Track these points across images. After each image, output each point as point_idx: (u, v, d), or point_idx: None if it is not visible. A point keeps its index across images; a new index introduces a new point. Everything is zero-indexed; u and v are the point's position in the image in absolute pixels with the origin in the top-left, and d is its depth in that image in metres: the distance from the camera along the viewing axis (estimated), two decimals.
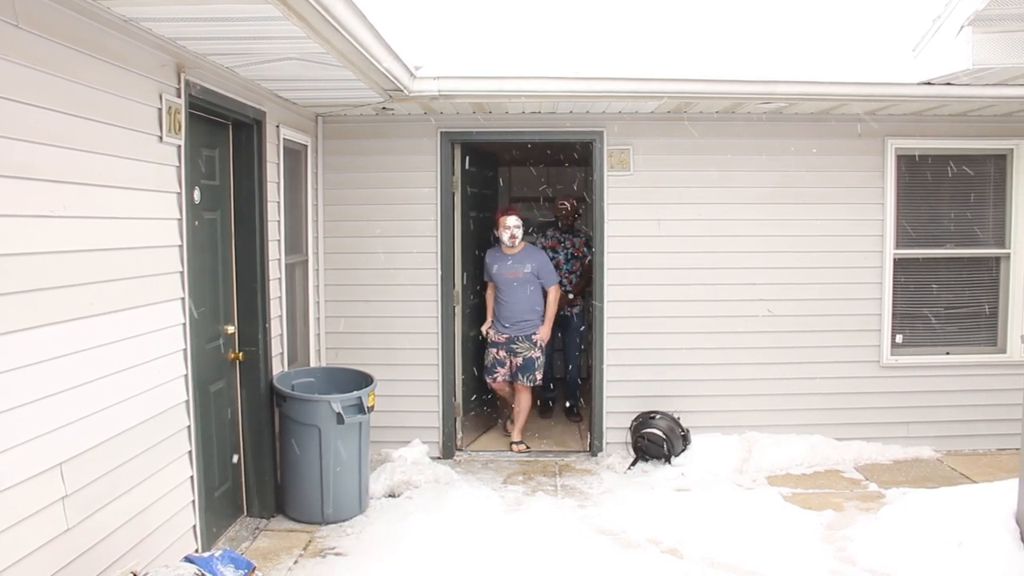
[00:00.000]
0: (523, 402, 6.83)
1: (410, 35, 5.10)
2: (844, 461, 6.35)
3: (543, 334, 6.78)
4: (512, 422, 6.98)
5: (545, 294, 6.82)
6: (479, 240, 7.25)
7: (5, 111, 2.72)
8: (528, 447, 6.80)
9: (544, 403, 7.88)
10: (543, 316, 6.80)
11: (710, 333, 6.53)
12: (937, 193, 6.62)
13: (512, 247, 6.69)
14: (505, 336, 6.75)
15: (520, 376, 6.74)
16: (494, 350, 6.80)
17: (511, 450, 6.76)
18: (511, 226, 6.64)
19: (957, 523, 4.46)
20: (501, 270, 6.72)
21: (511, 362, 6.76)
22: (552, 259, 7.17)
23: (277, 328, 5.46)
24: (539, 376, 6.81)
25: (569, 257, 7.62)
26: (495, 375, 6.81)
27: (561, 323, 7.49)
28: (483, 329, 6.96)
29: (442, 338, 6.54)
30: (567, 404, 7.87)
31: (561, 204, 7.68)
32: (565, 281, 7.43)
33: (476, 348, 7.11)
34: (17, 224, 2.80)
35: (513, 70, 5.54)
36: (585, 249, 7.51)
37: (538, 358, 6.74)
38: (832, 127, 6.42)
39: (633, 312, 6.50)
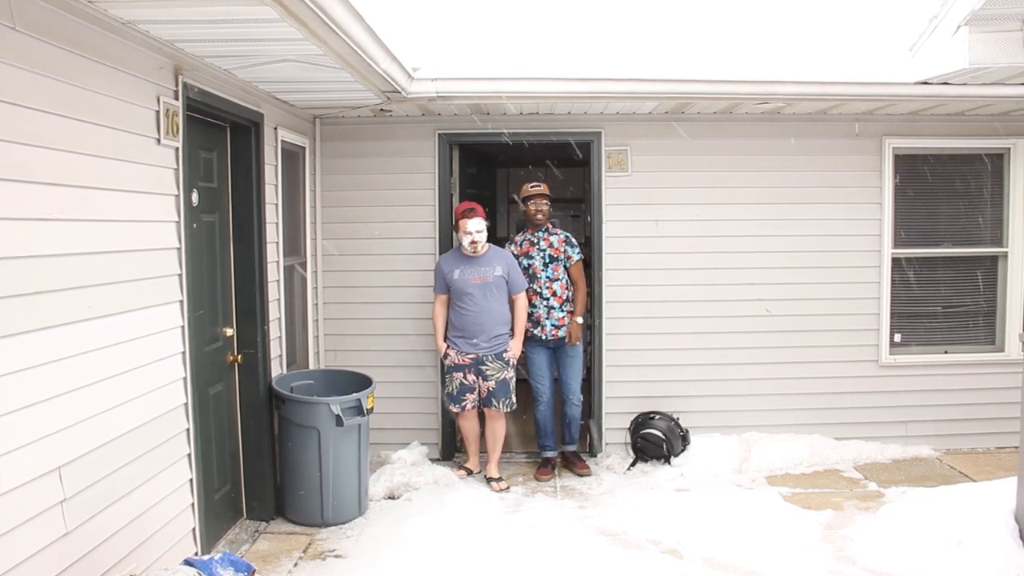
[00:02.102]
0: (498, 431, 6.03)
1: (408, 37, 5.10)
2: (843, 460, 6.35)
3: (516, 350, 5.96)
4: (468, 456, 6.27)
5: (511, 303, 5.99)
6: None
7: (1, 113, 2.72)
8: (508, 487, 5.94)
9: (545, 461, 6.34)
10: (513, 329, 6.01)
11: (709, 333, 6.53)
12: (935, 192, 6.63)
13: (474, 253, 5.82)
14: (471, 356, 5.85)
15: (494, 402, 5.89)
16: (459, 374, 5.88)
17: (489, 487, 5.90)
18: (472, 231, 5.74)
19: (956, 522, 4.47)
20: (465, 275, 5.81)
21: (481, 387, 5.90)
22: (528, 267, 6.17)
23: (276, 330, 5.46)
24: (514, 399, 5.96)
25: (548, 261, 6.19)
26: (463, 402, 5.92)
27: (548, 350, 6.29)
28: (440, 348, 6.03)
29: None
30: (570, 448, 6.40)
31: (541, 208, 6.22)
32: (547, 292, 6.14)
33: None
34: (14, 227, 2.80)
35: (511, 71, 5.55)
36: (567, 248, 6.22)
37: (512, 378, 5.95)
38: (830, 127, 6.43)
39: (632, 313, 6.50)
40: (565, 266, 6.21)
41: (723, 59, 5.72)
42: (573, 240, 6.29)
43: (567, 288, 6.20)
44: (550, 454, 6.35)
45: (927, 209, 6.63)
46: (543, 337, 6.17)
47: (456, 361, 5.91)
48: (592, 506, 5.57)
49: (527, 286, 6.08)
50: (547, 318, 6.14)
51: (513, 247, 6.32)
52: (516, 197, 6.36)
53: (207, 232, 4.67)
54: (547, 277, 6.17)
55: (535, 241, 6.25)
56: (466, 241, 5.78)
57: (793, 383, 6.57)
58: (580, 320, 6.20)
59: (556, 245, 6.21)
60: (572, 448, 6.38)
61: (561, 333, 6.17)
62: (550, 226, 6.32)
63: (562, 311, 6.16)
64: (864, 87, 5.66)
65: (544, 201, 6.23)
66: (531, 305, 6.15)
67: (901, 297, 6.63)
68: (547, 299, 6.15)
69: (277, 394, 5.21)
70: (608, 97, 5.78)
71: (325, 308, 6.51)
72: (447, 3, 5.98)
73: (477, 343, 5.86)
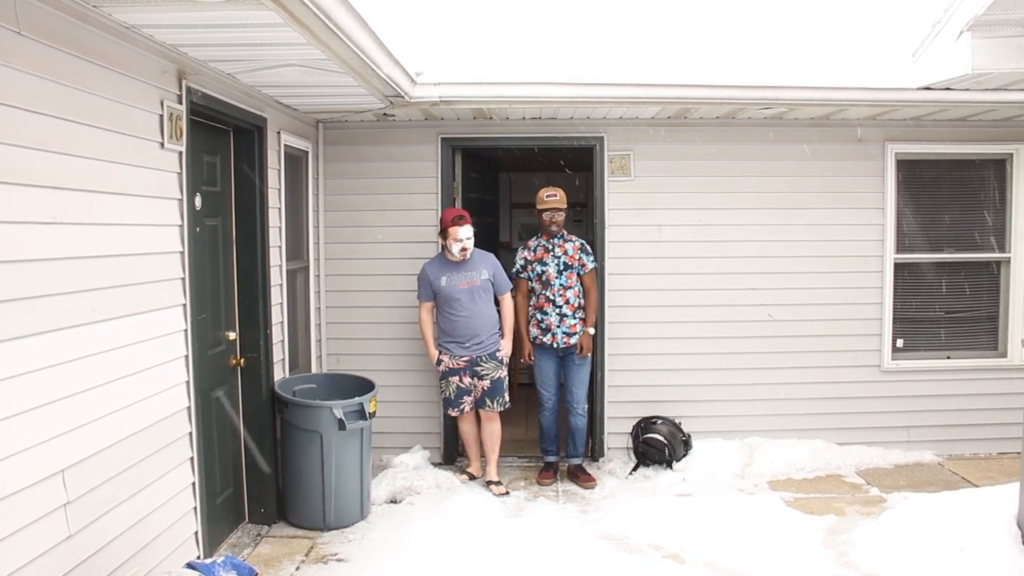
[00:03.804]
0: (495, 432, 6.05)
1: (411, 41, 5.11)
2: (845, 466, 6.34)
3: (507, 349, 6.02)
4: (470, 460, 6.28)
5: (497, 303, 6.04)
6: (478, 246, 7.14)
7: (6, 117, 2.73)
8: (507, 491, 5.95)
9: (547, 466, 6.32)
10: (502, 329, 6.05)
11: (711, 338, 6.54)
12: (937, 198, 6.63)
13: (464, 260, 5.85)
14: (465, 359, 5.87)
15: (488, 402, 5.94)
16: (455, 378, 5.90)
17: (489, 491, 5.91)
18: (462, 238, 5.75)
19: (958, 527, 4.46)
20: (453, 281, 5.82)
21: (476, 387, 5.94)
22: (541, 273, 6.11)
23: (278, 334, 5.46)
24: (507, 397, 6.06)
25: (562, 268, 6.08)
26: (461, 405, 5.96)
27: (556, 358, 6.20)
28: (432, 356, 5.99)
29: None
30: (575, 461, 6.26)
31: (555, 219, 6.11)
32: (560, 300, 6.05)
33: None
34: (18, 231, 2.81)
35: (513, 76, 5.56)
36: (583, 256, 6.15)
37: (505, 377, 6.00)
38: (832, 132, 6.44)
39: (634, 317, 6.49)
40: (579, 274, 6.12)
41: (725, 64, 5.72)
42: (588, 248, 6.20)
43: (580, 296, 6.11)
44: (552, 458, 6.31)
45: (930, 214, 6.62)
46: (553, 345, 6.09)
47: (451, 366, 5.92)
48: (594, 510, 5.57)
49: (510, 287, 6.08)
50: (558, 326, 6.06)
51: (527, 252, 6.23)
52: (537, 206, 6.25)
53: (210, 236, 4.68)
54: (560, 284, 6.08)
55: (550, 248, 6.15)
56: (456, 248, 5.77)
57: (795, 388, 6.57)
58: (592, 331, 6.13)
59: (571, 252, 6.11)
60: (577, 461, 6.27)
61: (572, 342, 6.08)
62: (565, 232, 6.22)
63: (574, 319, 6.07)
64: (867, 92, 5.66)
65: (560, 212, 6.12)
66: (542, 312, 6.10)
67: (903, 302, 6.63)
68: (560, 307, 6.07)
69: (280, 398, 5.22)
70: (611, 102, 5.79)
71: (328, 312, 6.52)
72: (450, 8, 5.99)
73: (470, 346, 5.88)
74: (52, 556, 2.96)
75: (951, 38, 5.00)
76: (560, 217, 6.13)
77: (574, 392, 6.19)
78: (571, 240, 6.19)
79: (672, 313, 6.53)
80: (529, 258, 6.20)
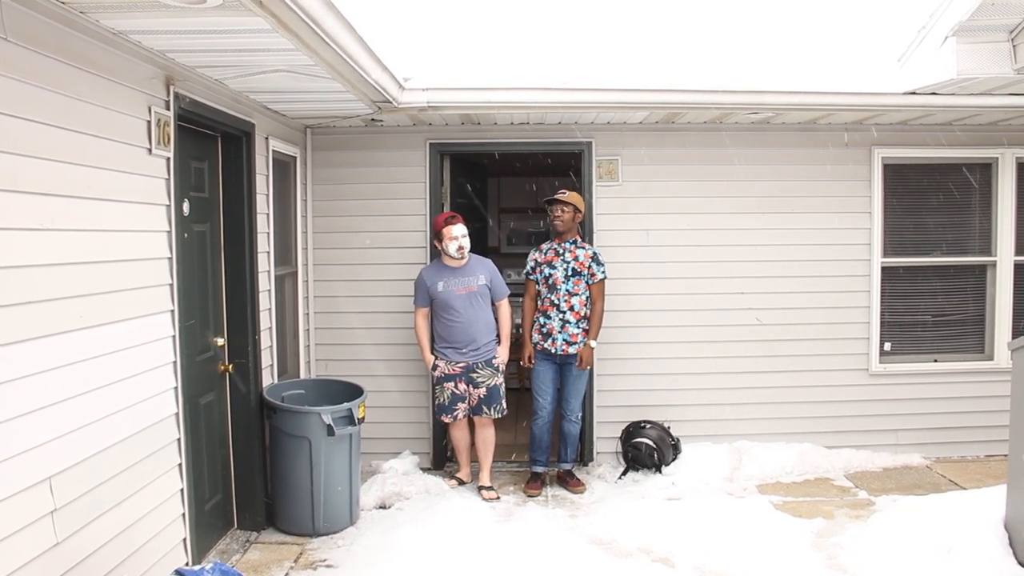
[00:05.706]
0: (488, 438, 6.04)
1: (399, 47, 5.12)
2: (834, 469, 6.36)
3: (504, 356, 5.99)
4: (459, 466, 6.25)
5: (495, 309, 6.03)
6: (472, 251, 7.10)
7: None
8: (499, 496, 5.94)
9: (534, 476, 6.20)
10: (499, 336, 6.05)
11: (700, 342, 6.55)
12: (923, 202, 6.67)
13: (461, 259, 5.83)
14: (461, 365, 5.85)
15: (485, 409, 5.91)
16: (450, 384, 5.86)
17: (479, 496, 5.90)
18: (458, 236, 5.75)
19: (946, 530, 4.48)
20: (449, 286, 5.79)
21: (472, 394, 5.91)
22: (548, 276, 6.00)
23: (267, 340, 5.45)
24: (505, 404, 6.01)
25: (570, 273, 5.96)
26: (455, 412, 5.90)
27: (555, 365, 6.09)
28: (428, 362, 5.99)
29: None
30: (565, 467, 6.25)
31: (557, 214, 5.98)
32: (564, 306, 5.94)
33: None
34: (5, 237, 2.80)
35: (501, 81, 5.57)
36: (593, 265, 5.99)
37: (501, 384, 5.95)
38: (819, 137, 6.47)
39: (622, 322, 6.50)
40: (587, 282, 5.99)
41: (713, 69, 5.75)
42: (601, 259, 6.04)
43: (586, 305, 6.00)
44: (540, 469, 6.20)
45: (916, 218, 6.66)
46: (552, 351, 5.99)
47: (446, 371, 5.89)
48: (583, 515, 5.57)
49: (507, 293, 6.06)
50: (560, 332, 5.96)
51: (538, 254, 6.13)
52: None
53: (198, 242, 4.67)
54: (567, 291, 5.96)
55: (560, 252, 6.03)
56: (452, 247, 5.74)
57: (784, 392, 6.59)
58: (594, 344, 6.02)
59: (581, 259, 5.99)
60: (568, 467, 6.23)
61: (572, 351, 5.97)
62: (579, 239, 6.12)
63: (577, 328, 5.96)
64: (853, 97, 5.70)
65: (563, 208, 5.96)
66: (545, 316, 6.02)
67: (891, 306, 6.66)
68: (563, 312, 5.96)
69: (268, 404, 5.21)
70: (598, 107, 5.81)
71: (316, 317, 6.51)
72: (438, 13, 6.00)
73: (467, 352, 5.86)
74: (39, 564, 2.94)
75: (936, 43, 5.04)
76: (562, 214, 5.96)
77: (570, 401, 6.11)
78: (584, 247, 6.07)
79: (660, 317, 6.54)
80: (539, 260, 6.11)
